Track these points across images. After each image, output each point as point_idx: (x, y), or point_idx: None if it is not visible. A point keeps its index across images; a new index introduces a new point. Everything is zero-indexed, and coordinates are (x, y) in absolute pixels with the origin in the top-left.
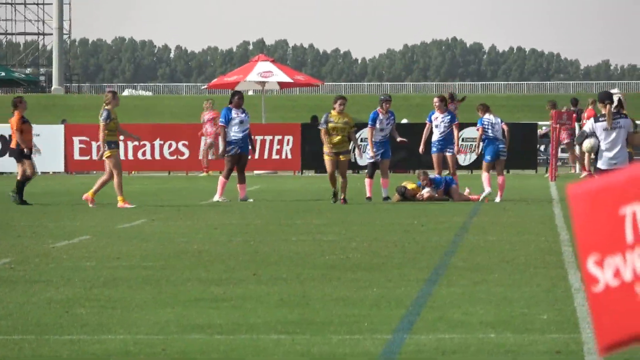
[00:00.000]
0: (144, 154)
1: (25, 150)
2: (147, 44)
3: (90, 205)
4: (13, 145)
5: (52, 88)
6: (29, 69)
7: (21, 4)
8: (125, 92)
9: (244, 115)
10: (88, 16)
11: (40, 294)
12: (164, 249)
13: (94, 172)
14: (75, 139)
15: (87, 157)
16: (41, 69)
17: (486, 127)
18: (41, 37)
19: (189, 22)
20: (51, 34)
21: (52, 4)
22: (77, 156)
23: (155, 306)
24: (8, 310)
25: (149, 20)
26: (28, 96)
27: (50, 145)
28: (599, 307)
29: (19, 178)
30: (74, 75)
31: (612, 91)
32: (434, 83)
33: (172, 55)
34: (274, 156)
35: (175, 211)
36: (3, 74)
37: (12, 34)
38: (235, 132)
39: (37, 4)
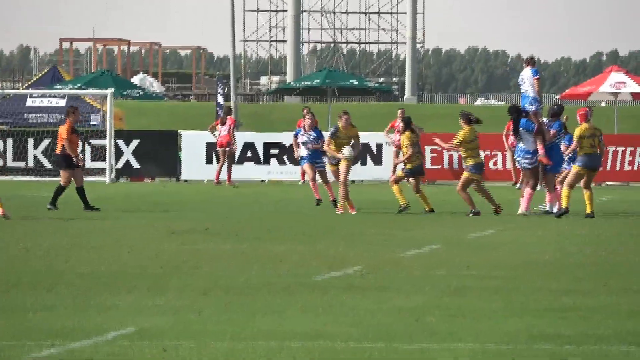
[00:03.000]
0: (495, 163)
1: (74, 159)
2: (500, 54)
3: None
4: (58, 151)
5: (405, 97)
6: (381, 78)
7: (375, 13)
8: (478, 102)
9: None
10: (442, 26)
11: (390, 302)
12: (514, 258)
13: (446, 182)
14: (427, 148)
15: (439, 167)
16: (394, 78)
17: None
18: (394, 46)
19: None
20: (404, 43)
21: (405, 13)
22: (428, 165)
23: (505, 316)
24: (358, 317)
25: (503, 30)
26: (379, 105)
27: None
28: None
29: (62, 184)
30: (426, 84)
31: None
32: None
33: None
34: (626, 167)
35: (526, 220)
36: (356, 82)
37: (365, 42)
38: None
39: (391, 14)
